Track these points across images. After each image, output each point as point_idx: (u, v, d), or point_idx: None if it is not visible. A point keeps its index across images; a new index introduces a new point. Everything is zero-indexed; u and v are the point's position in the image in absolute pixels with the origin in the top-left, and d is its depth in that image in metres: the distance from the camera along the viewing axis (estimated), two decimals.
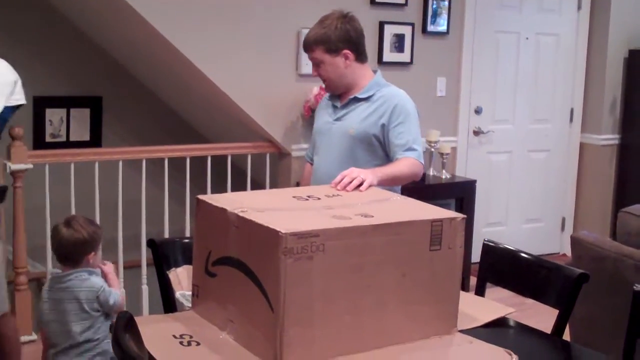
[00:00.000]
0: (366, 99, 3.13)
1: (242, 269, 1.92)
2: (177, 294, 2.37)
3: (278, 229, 1.76)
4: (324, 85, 3.25)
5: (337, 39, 3.08)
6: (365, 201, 2.22)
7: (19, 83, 3.08)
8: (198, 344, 1.95)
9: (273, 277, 1.79)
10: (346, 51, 3.09)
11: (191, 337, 1.98)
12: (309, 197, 2.21)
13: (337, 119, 3.15)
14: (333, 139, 3.13)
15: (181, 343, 1.95)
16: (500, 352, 1.97)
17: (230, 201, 2.06)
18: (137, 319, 1.88)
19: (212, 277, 2.07)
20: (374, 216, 1.98)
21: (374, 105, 3.11)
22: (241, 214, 1.92)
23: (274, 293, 1.79)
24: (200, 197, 2.13)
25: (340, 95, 3.19)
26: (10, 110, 3.05)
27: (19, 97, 3.08)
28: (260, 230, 1.82)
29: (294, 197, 2.21)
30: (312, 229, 1.79)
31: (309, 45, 3.11)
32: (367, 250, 1.88)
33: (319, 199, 2.21)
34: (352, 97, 3.15)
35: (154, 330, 2.04)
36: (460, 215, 2.05)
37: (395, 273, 1.95)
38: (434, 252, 2.00)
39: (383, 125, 3.06)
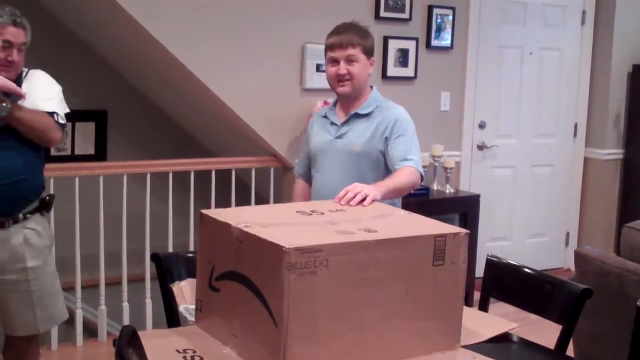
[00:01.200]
0: (367, 115, 3.16)
1: (245, 283, 1.92)
2: (181, 308, 2.37)
3: (282, 244, 1.76)
4: (343, 87, 3.15)
5: (372, 45, 3.22)
6: (369, 216, 2.23)
7: (61, 93, 3.17)
8: (201, 358, 1.95)
9: (277, 292, 1.79)
10: (374, 59, 3.23)
11: (194, 352, 1.98)
12: (312, 212, 2.22)
13: (339, 137, 3.16)
14: (336, 157, 3.14)
15: (184, 358, 1.95)
16: None
17: (234, 216, 2.06)
18: (141, 333, 1.89)
19: (215, 291, 2.08)
20: (378, 231, 1.99)
21: (376, 121, 3.14)
22: (245, 229, 1.92)
23: (278, 308, 1.79)
24: (204, 211, 2.13)
25: (340, 111, 3.21)
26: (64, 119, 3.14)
27: (65, 106, 3.17)
28: (264, 245, 1.83)
29: (297, 212, 2.22)
30: (315, 244, 1.80)
31: (352, 42, 3.11)
32: (371, 265, 1.89)
33: (322, 213, 2.22)
34: (353, 113, 3.17)
35: (158, 344, 2.04)
36: (463, 231, 2.05)
37: (399, 288, 1.95)
38: (437, 267, 2.00)
39: (386, 139, 3.10)
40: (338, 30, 3.15)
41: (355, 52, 3.11)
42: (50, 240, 3.28)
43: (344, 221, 2.11)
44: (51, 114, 3.04)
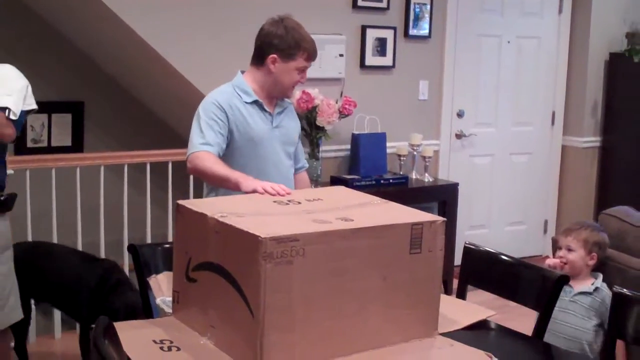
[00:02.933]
0: (289, 107, 3.21)
1: (222, 274, 1.91)
2: (158, 300, 2.36)
3: (257, 234, 1.75)
4: (292, 92, 3.19)
5: None
6: (346, 205, 2.22)
7: (29, 88, 3.08)
8: (178, 349, 1.94)
9: (253, 282, 1.78)
10: None
11: (171, 342, 1.97)
12: (289, 201, 2.22)
13: (277, 127, 3.10)
14: (276, 146, 3.08)
15: (161, 348, 1.94)
16: (480, 354, 1.98)
17: (211, 206, 2.05)
18: (117, 325, 1.88)
19: (192, 282, 2.07)
20: (355, 220, 1.98)
21: (291, 108, 3.23)
22: (221, 219, 1.91)
23: (254, 298, 1.78)
24: (181, 202, 2.12)
25: (265, 100, 3.08)
26: (24, 114, 3.05)
27: (31, 102, 3.08)
28: (240, 235, 1.82)
29: (274, 202, 2.22)
30: (291, 233, 1.79)
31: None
32: (348, 254, 1.88)
33: (299, 203, 2.21)
34: (287, 105, 3.18)
35: (134, 335, 2.03)
36: (440, 219, 2.05)
37: (376, 277, 1.95)
38: (414, 255, 2.00)
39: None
40: (312, 40, 3.06)
41: None
42: (6, 241, 3.15)
43: (321, 210, 2.11)
44: (2, 109, 2.93)
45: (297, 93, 4.63)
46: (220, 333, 1.96)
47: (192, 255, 2.06)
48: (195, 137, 2.96)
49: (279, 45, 2.98)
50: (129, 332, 2.01)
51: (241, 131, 3.00)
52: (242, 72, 3.12)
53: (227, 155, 2.98)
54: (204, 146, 2.93)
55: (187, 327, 2.08)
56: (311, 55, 3.04)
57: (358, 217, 2.02)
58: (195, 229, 2.04)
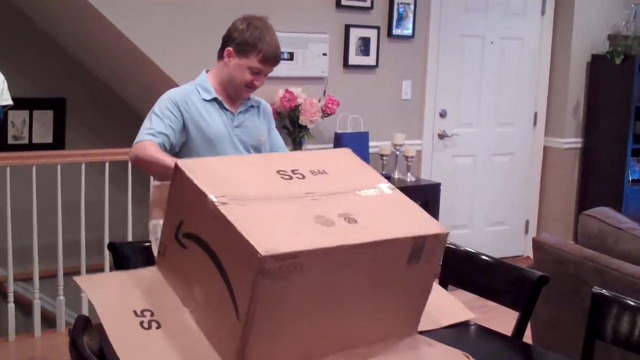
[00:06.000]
0: (257, 107, 3.13)
1: (213, 260, 1.81)
2: (150, 223, 2.26)
3: (257, 248, 1.64)
4: (247, 93, 3.05)
5: None
6: (352, 187, 2.07)
7: (5, 84, 3.05)
8: (158, 326, 1.86)
9: (245, 290, 1.70)
10: None
11: (152, 314, 1.89)
12: (293, 172, 2.06)
13: (238, 126, 3.03)
14: (237, 145, 3.01)
15: (141, 324, 1.86)
16: (457, 354, 1.97)
17: (211, 177, 1.89)
18: (96, 277, 1.85)
19: (181, 246, 1.95)
20: (358, 222, 1.88)
21: (261, 111, 3.15)
22: (222, 209, 1.77)
23: (243, 304, 1.71)
24: (180, 164, 1.94)
25: (227, 100, 3.03)
26: (1, 109, 3.02)
27: (7, 97, 3.05)
28: (240, 239, 1.70)
29: (278, 171, 2.04)
30: (292, 250, 1.69)
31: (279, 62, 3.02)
32: (345, 267, 1.81)
33: (302, 177, 2.05)
34: (250, 104, 3.09)
35: (113, 301, 1.94)
36: (444, 231, 1.96)
37: (367, 285, 1.87)
38: (410, 265, 1.93)
39: (268, 129, 3.15)
40: (275, 45, 2.97)
41: None
42: None
43: (324, 195, 1.97)
44: None
45: (280, 91, 4.63)
46: (202, 312, 1.88)
47: (184, 219, 1.93)
48: (142, 129, 2.89)
49: (236, 39, 2.94)
50: (109, 293, 1.95)
51: (197, 129, 2.93)
52: (207, 71, 3.08)
53: (185, 154, 2.90)
54: (148, 135, 2.84)
55: (169, 290, 1.98)
56: (266, 59, 2.93)
57: (362, 217, 1.90)
58: (191, 198, 1.88)
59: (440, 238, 1.95)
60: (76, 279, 1.95)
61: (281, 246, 1.67)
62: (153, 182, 2.42)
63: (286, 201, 1.92)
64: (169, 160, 2.65)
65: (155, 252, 2.13)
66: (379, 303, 1.94)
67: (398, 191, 2.13)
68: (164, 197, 2.07)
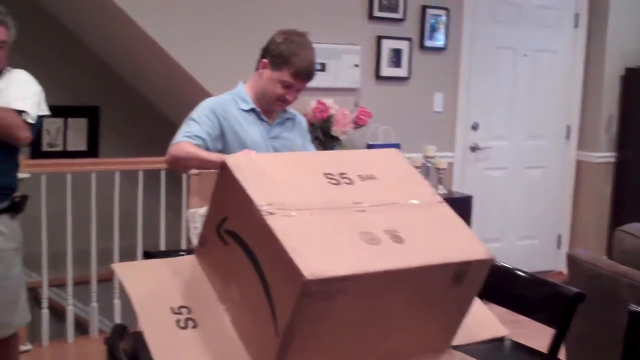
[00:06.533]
0: (292, 119, 3.16)
1: (255, 265, 1.77)
2: (189, 212, 2.25)
3: (303, 272, 1.60)
4: (280, 107, 3.07)
5: None
6: (400, 198, 2.00)
7: (43, 95, 3.12)
8: (195, 325, 1.85)
9: (286, 306, 1.67)
10: None
11: (189, 311, 1.87)
12: (341, 175, 2.00)
13: (275, 137, 3.05)
14: None
15: (177, 322, 1.84)
16: None
17: (258, 182, 1.84)
18: (132, 265, 1.89)
19: (222, 242, 1.90)
20: (404, 240, 1.83)
21: (298, 121, 3.19)
22: (268, 220, 1.72)
23: (283, 321, 1.68)
24: (228, 161, 1.87)
25: (265, 111, 3.05)
26: (39, 119, 3.09)
27: (43, 108, 3.12)
28: (284, 256, 1.65)
29: (325, 174, 1.97)
30: (338, 275, 1.65)
31: (313, 77, 3.02)
32: (389, 290, 1.78)
33: (350, 182, 1.99)
34: (285, 117, 3.12)
35: (150, 291, 1.93)
36: (490, 257, 1.90)
37: (408, 304, 1.84)
38: (452, 288, 1.89)
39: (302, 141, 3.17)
40: (309, 61, 2.97)
41: None
42: (17, 243, 3.17)
43: (372, 205, 1.92)
44: (20, 112, 2.99)
45: (312, 102, 4.64)
46: (239, 314, 1.86)
47: (228, 216, 1.88)
48: (178, 132, 2.93)
49: (272, 51, 2.97)
50: (146, 284, 1.93)
51: (235, 135, 2.95)
52: (244, 82, 3.11)
53: None
54: (184, 137, 2.88)
55: (207, 284, 1.96)
56: (298, 73, 2.93)
57: (408, 235, 1.85)
58: (237, 198, 1.82)
59: (485, 263, 1.90)
60: (114, 266, 1.94)
61: (327, 270, 1.63)
62: (191, 172, 2.44)
63: (333, 212, 1.86)
64: (205, 154, 2.71)
65: (193, 240, 2.12)
66: (418, 321, 1.91)
67: (446, 204, 2.05)
68: (203, 186, 2.05)
